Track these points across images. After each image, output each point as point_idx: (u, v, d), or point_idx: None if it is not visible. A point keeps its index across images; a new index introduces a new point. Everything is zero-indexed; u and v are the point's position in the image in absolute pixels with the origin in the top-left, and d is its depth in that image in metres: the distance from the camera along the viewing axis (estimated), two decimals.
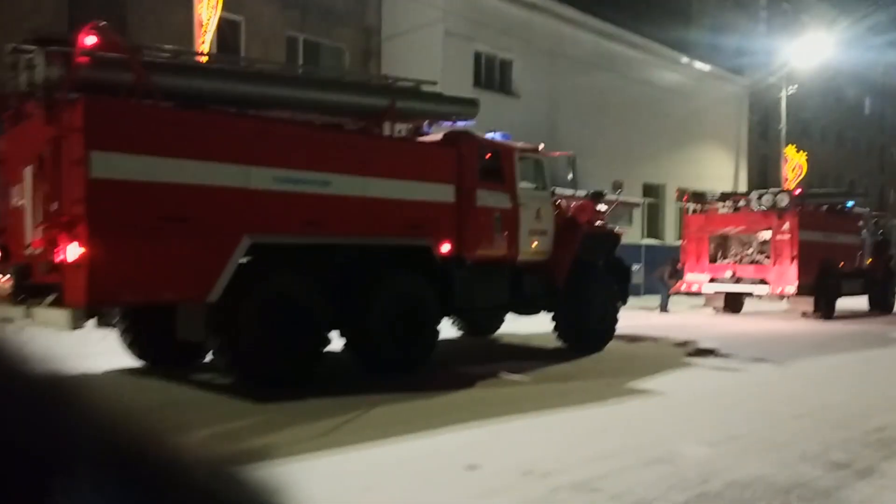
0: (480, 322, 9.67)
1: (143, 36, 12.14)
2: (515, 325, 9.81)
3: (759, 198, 13.70)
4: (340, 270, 6.15)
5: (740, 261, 14.37)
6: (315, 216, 5.73)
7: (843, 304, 16.55)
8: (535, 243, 8.12)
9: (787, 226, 13.32)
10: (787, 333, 11.84)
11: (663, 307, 15.38)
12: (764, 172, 32.29)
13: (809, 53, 26.64)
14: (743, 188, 26.12)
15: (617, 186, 9.01)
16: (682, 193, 14.71)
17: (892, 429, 4.87)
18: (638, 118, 23.32)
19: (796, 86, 27.17)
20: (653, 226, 24.60)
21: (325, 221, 5.77)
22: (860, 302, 16.76)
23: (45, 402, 0.35)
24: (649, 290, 17.30)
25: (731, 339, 10.48)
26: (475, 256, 7.30)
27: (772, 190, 13.71)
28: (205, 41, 10.44)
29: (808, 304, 13.88)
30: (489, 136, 8.27)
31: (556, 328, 8.54)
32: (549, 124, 19.98)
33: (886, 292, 16.65)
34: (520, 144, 8.23)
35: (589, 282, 8.53)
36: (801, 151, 27.39)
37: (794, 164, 27.61)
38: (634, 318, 14.06)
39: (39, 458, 0.31)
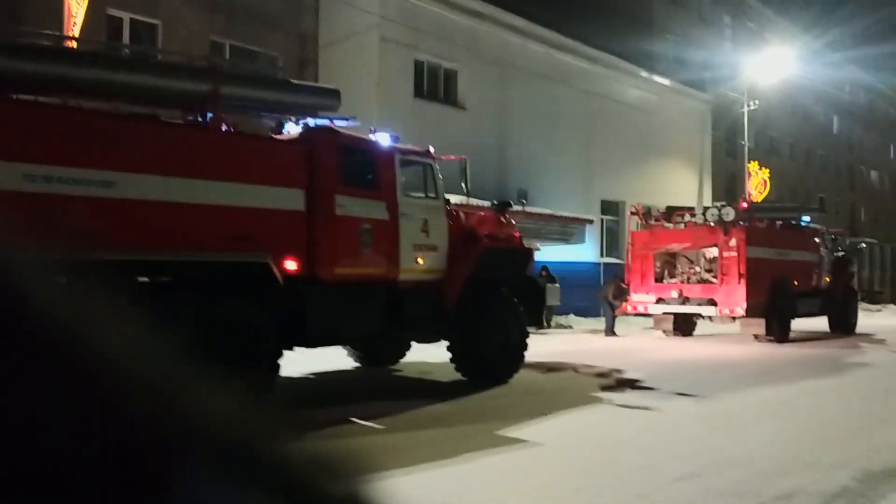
0: (376, 351, 8.48)
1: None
2: (425, 354, 8.64)
3: (704, 212, 12.72)
4: (138, 295, 4.97)
5: (688, 280, 13.36)
6: (92, 225, 4.54)
7: (804, 324, 15.61)
8: (422, 260, 6.99)
9: (733, 242, 12.34)
10: (733, 359, 10.79)
11: (609, 330, 14.31)
12: (732, 190, 31.62)
13: (772, 69, 26.15)
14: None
15: (521, 195, 7.93)
16: (640, 210, 13.72)
17: (799, 499, 3.75)
18: (596, 133, 22.50)
19: (757, 102, 26.55)
20: (612, 244, 23.65)
21: (106, 232, 4.58)
22: (821, 323, 15.84)
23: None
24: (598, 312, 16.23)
25: (665, 367, 9.39)
26: (335, 276, 6.14)
27: (717, 204, 12.75)
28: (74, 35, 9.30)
29: (760, 325, 12.87)
30: (372, 136, 7.18)
31: (452, 358, 7.39)
32: (499, 138, 19.02)
33: (847, 313, 15.73)
34: (404, 146, 7.15)
35: (488, 304, 7.40)
36: (765, 168, 26.75)
37: (758, 181, 26.95)
38: (575, 342, 12.98)
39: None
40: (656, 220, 13.56)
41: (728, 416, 6.24)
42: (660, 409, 6.37)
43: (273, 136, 6.70)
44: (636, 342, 13.29)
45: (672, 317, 13.82)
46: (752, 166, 26.82)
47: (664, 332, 14.19)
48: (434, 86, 17.89)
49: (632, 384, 7.87)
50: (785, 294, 13.16)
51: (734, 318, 12.82)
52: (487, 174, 18.28)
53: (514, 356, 7.69)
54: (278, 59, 16.88)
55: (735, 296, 12.33)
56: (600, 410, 6.35)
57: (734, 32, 34.56)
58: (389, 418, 5.66)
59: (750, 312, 12.41)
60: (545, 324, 13.85)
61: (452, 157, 7.32)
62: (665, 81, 25.71)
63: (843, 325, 15.60)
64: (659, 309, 13.36)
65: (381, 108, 16.29)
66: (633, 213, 13.75)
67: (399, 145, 7.08)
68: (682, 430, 5.55)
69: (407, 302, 6.79)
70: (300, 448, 0.42)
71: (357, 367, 8.60)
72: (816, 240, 15.19)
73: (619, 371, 8.77)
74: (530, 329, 7.87)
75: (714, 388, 7.80)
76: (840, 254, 16.12)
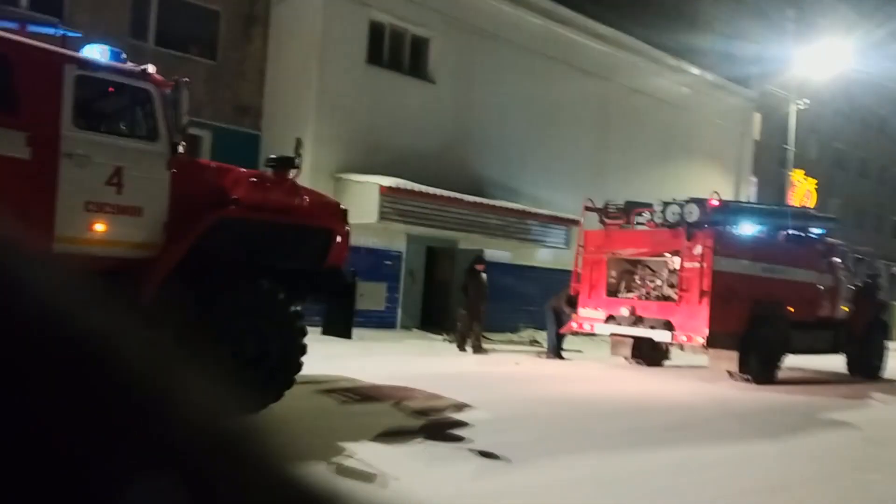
0: None
1: None
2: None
3: (664, 209, 9.91)
4: None
5: (646, 295, 10.59)
6: None
7: (815, 363, 12.51)
8: (104, 226, 4.81)
9: (698, 249, 9.50)
10: (666, 402, 8.05)
11: (554, 350, 11.68)
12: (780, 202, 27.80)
13: (830, 64, 22.47)
14: None
15: (298, 146, 5.61)
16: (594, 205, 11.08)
17: None
18: (609, 127, 19.65)
19: (807, 101, 22.89)
20: None
21: None
22: (839, 362, 12.66)
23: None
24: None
25: (537, 408, 6.84)
26: None
27: (678, 199, 9.91)
28: None
29: (732, 360, 9.99)
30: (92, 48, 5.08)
31: None
32: (476, 121, 16.58)
33: (870, 352, 12.47)
34: (93, 58, 4.98)
35: (227, 300, 5.14)
36: (811, 178, 23.10)
37: (802, 192, 23.30)
38: (487, 362, 10.49)
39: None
40: (614, 217, 10.84)
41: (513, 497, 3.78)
42: (411, 479, 3.93)
43: None
44: (576, 369, 10.63)
45: (631, 340, 11.08)
46: (797, 175, 23.19)
47: (625, 358, 11.46)
48: (397, 53, 15.63)
49: (439, 431, 5.42)
50: (771, 323, 10.20)
51: (700, 348, 9.98)
52: (457, 160, 15.92)
53: (274, 375, 5.39)
54: (220, 15, 15.05)
55: (695, 319, 9.50)
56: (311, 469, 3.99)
57: (785, 20, 30.55)
58: None
59: (714, 342, 9.55)
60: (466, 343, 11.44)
61: (172, 82, 5.06)
62: (698, 71, 22.45)
63: (865, 368, 12.37)
64: (607, 329, 10.65)
65: (322, 72, 14.23)
66: (587, 209, 11.08)
67: (80, 55, 4.93)
68: None
69: (71, 286, 4.63)
70: None
71: None
72: (833, 259, 12.03)
73: (458, 408, 6.30)
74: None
75: (567, 445, 5.30)
76: (867, 279, 12.85)
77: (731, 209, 10.33)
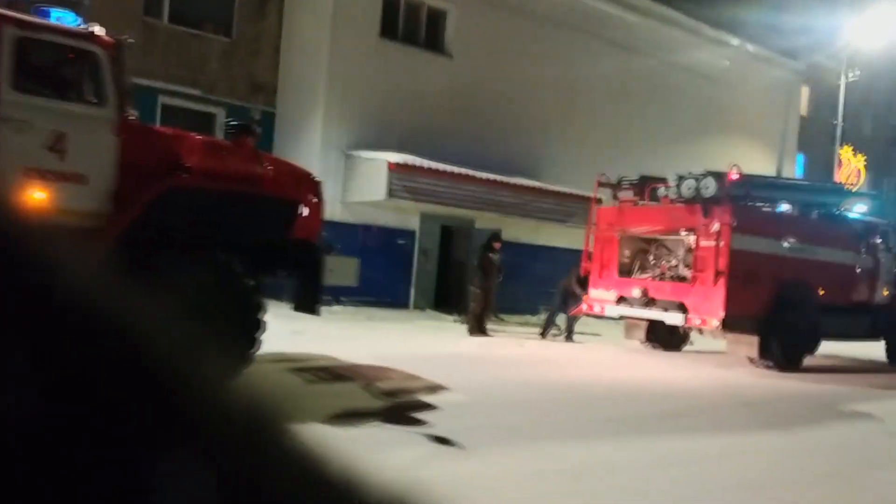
0: None
1: None
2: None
3: (679, 184, 9.25)
4: None
5: (661, 275, 10.00)
6: None
7: (851, 350, 11.71)
8: (47, 193, 4.61)
9: (715, 226, 8.85)
10: (673, 387, 7.53)
11: (567, 333, 11.20)
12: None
13: (880, 32, 20.94)
14: None
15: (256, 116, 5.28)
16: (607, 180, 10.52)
17: None
18: (639, 102, 18.77)
19: (858, 71, 21.42)
20: None
21: None
22: (878, 350, 11.81)
23: None
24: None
25: (515, 391, 6.46)
26: None
27: (694, 174, 9.21)
28: None
29: (752, 345, 9.35)
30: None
31: None
32: (497, 97, 16.03)
33: None
34: (33, 18, 4.74)
35: (179, 276, 4.89)
36: (860, 154, 21.67)
37: (850, 170, 21.95)
38: (498, 345, 10.10)
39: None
40: (627, 193, 10.24)
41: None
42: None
43: None
44: (583, 353, 10.16)
45: (645, 323, 10.53)
46: (845, 152, 21.82)
47: (640, 342, 10.92)
48: (412, 27, 15.18)
49: (400, 413, 5.09)
50: (798, 306, 9.50)
51: (718, 331, 9.37)
52: (476, 137, 15.43)
53: (227, 354, 5.15)
54: None
55: (710, 301, 8.89)
56: None
57: None
58: None
59: (731, 325, 8.93)
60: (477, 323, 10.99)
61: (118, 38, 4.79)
62: (738, 43, 21.26)
63: None
64: (617, 311, 10.11)
65: (333, 47, 13.91)
66: (600, 184, 10.50)
67: (20, 16, 4.69)
68: None
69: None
70: None
71: None
72: (873, 239, 11.16)
73: (431, 390, 5.95)
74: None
75: (539, 433, 4.92)
76: None
77: (754, 183, 9.59)
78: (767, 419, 6.33)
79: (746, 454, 5.16)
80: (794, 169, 24.29)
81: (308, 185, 5.68)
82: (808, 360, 10.58)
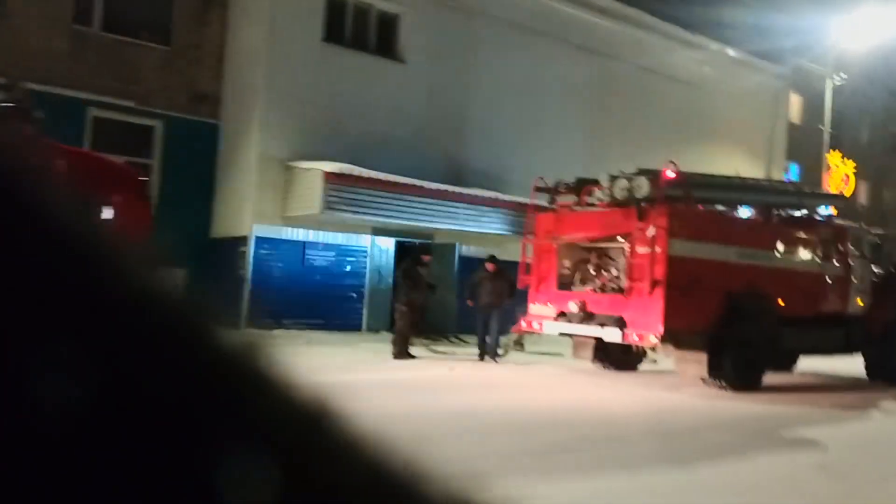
0: None
1: None
2: None
3: (611, 185, 8.36)
4: None
5: (602, 287, 9.07)
6: None
7: (838, 365, 10.72)
8: None
9: (650, 231, 7.93)
10: (580, 416, 6.59)
11: (490, 351, 10.23)
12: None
13: (868, 33, 20.07)
14: None
15: (22, 90, 4.50)
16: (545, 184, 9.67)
17: None
18: (613, 110, 17.96)
19: (844, 75, 20.51)
20: None
21: None
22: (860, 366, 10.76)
23: None
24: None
25: (420, 421, 5.52)
26: None
27: (626, 173, 8.31)
28: None
29: (701, 363, 8.38)
30: None
31: None
32: (456, 104, 15.31)
33: (892, 353, 10.51)
34: None
35: None
36: (849, 160, 20.68)
37: (839, 176, 20.93)
38: (425, 367, 9.21)
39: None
40: (564, 197, 9.36)
41: None
42: None
43: None
44: (519, 375, 9.21)
45: (592, 340, 9.58)
46: (833, 157, 20.83)
47: (591, 361, 9.96)
48: (360, 31, 14.51)
49: None
50: (753, 318, 8.53)
51: (656, 348, 8.42)
52: (434, 147, 14.67)
53: None
54: None
55: (647, 314, 7.94)
56: None
57: None
58: None
59: (673, 341, 7.98)
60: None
61: None
62: (717, 47, 20.46)
63: (885, 371, 10.43)
64: (556, 328, 9.18)
65: (271, 53, 13.24)
66: (538, 189, 9.65)
67: None
68: None
69: None
70: None
71: None
72: (843, 244, 10.20)
73: None
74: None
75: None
76: (890, 268, 10.91)
77: (695, 182, 8.67)
78: (682, 451, 5.38)
79: (634, 495, 4.25)
80: (783, 177, 23.30)
81: (125, 184, 4.87)
82: (780, 379, 9.60)
